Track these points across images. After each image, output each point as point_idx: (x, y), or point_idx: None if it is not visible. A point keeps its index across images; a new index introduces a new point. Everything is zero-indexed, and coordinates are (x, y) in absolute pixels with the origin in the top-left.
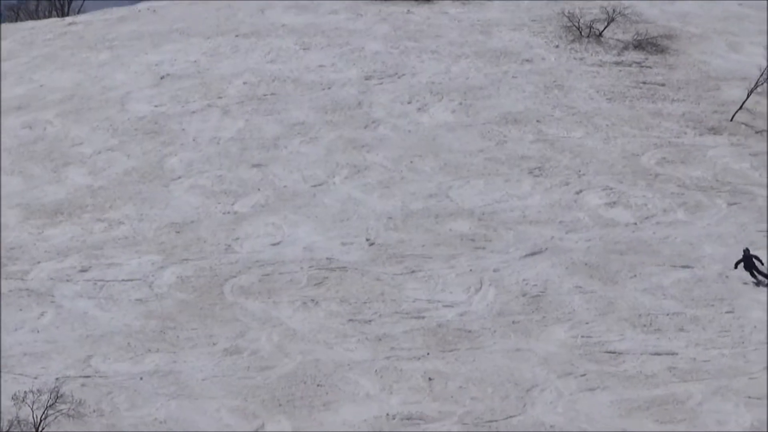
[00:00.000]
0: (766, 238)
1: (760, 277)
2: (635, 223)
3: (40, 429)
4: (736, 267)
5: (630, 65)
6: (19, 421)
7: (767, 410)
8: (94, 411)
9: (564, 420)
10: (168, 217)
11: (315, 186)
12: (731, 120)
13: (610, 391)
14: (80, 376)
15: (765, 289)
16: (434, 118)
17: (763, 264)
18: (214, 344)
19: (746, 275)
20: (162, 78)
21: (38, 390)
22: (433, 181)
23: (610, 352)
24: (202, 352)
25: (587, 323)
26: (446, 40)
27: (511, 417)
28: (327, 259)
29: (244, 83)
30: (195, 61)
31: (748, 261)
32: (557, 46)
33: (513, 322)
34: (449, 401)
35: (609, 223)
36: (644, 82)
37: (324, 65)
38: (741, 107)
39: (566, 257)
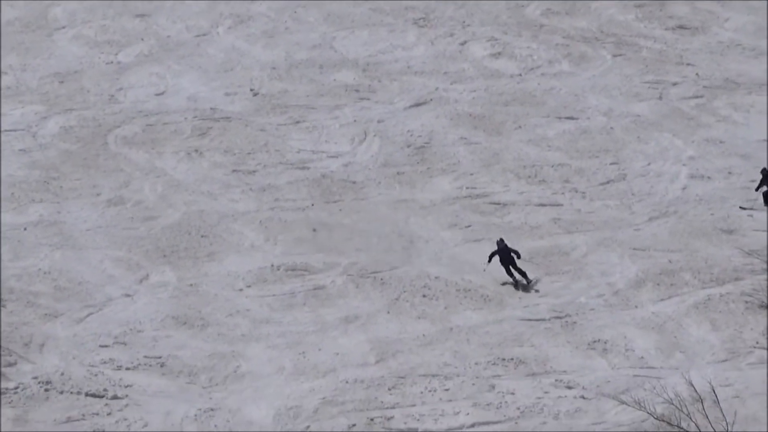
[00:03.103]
0: (650, 90)
1: (517, 276)
2: (520, 74)
3: None
4: (489, 260)
5: None
6: None
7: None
8: None
9: (448, 271)
10: (51, 67)
11: (199, 36)
12: None
13: (495, 241)
14: None
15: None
16: None
17: (519, 257)
18: (97, 194)
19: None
20: None
21: None
22: (317, 31)
23: (494, 203)
24: (86, 203)
25: (472, 174)
26: None
27: (395, 268)
28: (211, 109)
29: None
30: None
31: (504, 255)
32: None
33: (398, 173)
34: (334, 252)
35: (494, 74)
36: None
37: None
38: None
39: (451, 108)
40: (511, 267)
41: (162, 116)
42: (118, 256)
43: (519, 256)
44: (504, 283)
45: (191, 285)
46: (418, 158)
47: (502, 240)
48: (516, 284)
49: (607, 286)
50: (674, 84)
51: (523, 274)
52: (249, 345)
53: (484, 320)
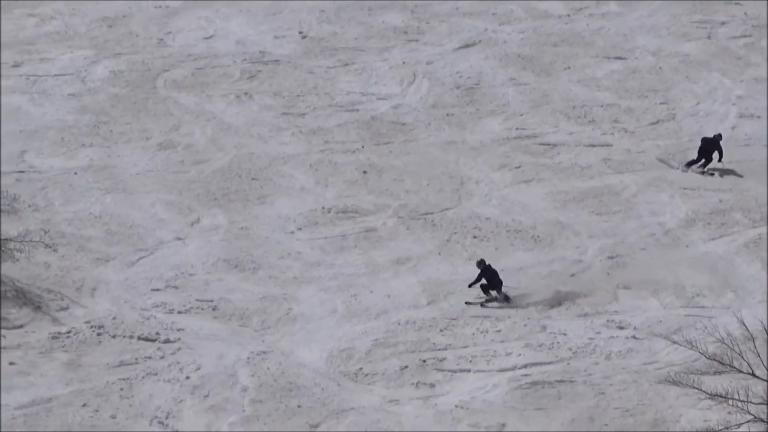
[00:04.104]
0: (698, 29)
1: (494, 293)
2: (568, 15)
3: None
4: (473, 285)
5: None
6: None
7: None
8: (29, 206)
9: (499, 212)
10: (100, 11)
11: None
12: None
13: (545, 182)
14: (14, 171)
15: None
16: None
17: (502, 282)
18: (147, 138)
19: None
20: None
21: None
22: None
23: (544, 144)
24: (136, 147)
25: (521, 115)
26: None
27: (446, 209)
28: (260, 52)
29: None
30: None
31: (491, 277)
32: None
33: (447, 115)
34: (384, 194)
35: (542, 14)
36: None
37: None
38: None
39: (500, 49)
40: (491, 290)
41: (211, 60)
42: (169, 199)
43: (501, 280)
44: (483, 304)
45: (242, 228)
46: (467, 99)
47: (483, 261)
48: (494, 299)
49: (658, 225)
50: (722, 23)
51: (505, 296)
52: (301, 288)
53: (535, 261)
